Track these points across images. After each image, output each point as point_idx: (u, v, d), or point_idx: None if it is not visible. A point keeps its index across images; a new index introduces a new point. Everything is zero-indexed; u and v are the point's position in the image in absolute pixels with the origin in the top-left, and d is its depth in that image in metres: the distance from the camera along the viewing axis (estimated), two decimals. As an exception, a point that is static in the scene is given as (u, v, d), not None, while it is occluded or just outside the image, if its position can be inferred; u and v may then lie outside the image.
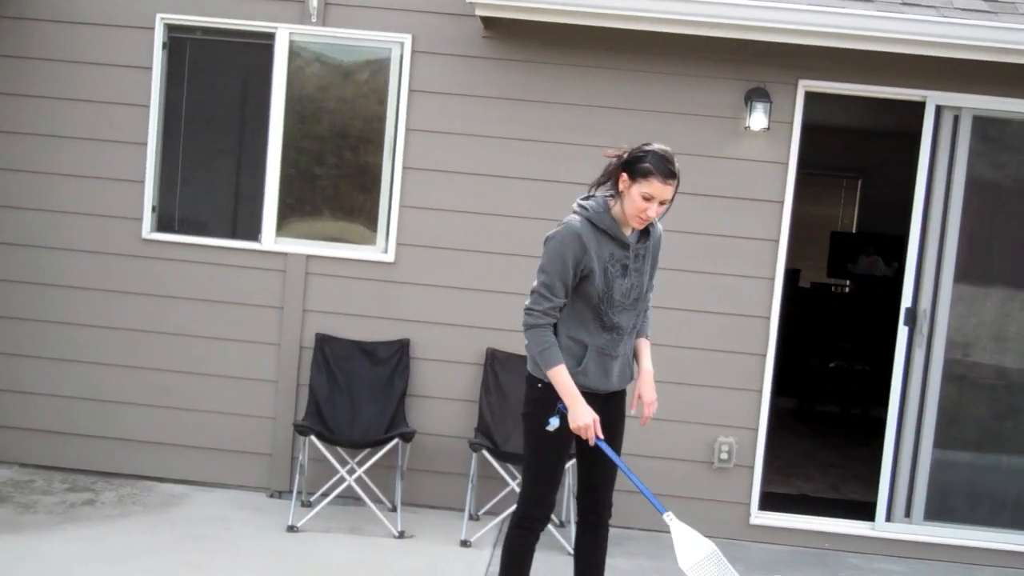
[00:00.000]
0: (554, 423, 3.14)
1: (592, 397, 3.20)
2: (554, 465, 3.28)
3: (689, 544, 3.08)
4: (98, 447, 5.08)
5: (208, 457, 5.06)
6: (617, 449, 3.32)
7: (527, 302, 3.16)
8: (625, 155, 3.11)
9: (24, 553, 4.03)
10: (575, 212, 3.19)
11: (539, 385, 3.22)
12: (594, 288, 3.12)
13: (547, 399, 3.19)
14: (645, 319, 3.37)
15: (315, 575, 4.07)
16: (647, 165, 3.03)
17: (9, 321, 5.08)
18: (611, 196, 3.17)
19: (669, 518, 3.12)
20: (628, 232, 3.18)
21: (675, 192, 3.09)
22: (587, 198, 3.20)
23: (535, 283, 3.15)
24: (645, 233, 3.23)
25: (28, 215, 5.04)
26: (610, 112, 4.85)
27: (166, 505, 4.76)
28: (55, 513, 4.52)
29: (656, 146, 3.08)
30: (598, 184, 3.19)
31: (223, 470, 5.07)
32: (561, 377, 3.09)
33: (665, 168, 3.03)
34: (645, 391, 3.31)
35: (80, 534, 4.28)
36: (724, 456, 4.91)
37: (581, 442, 3.32)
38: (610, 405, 3.29)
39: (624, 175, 3.08)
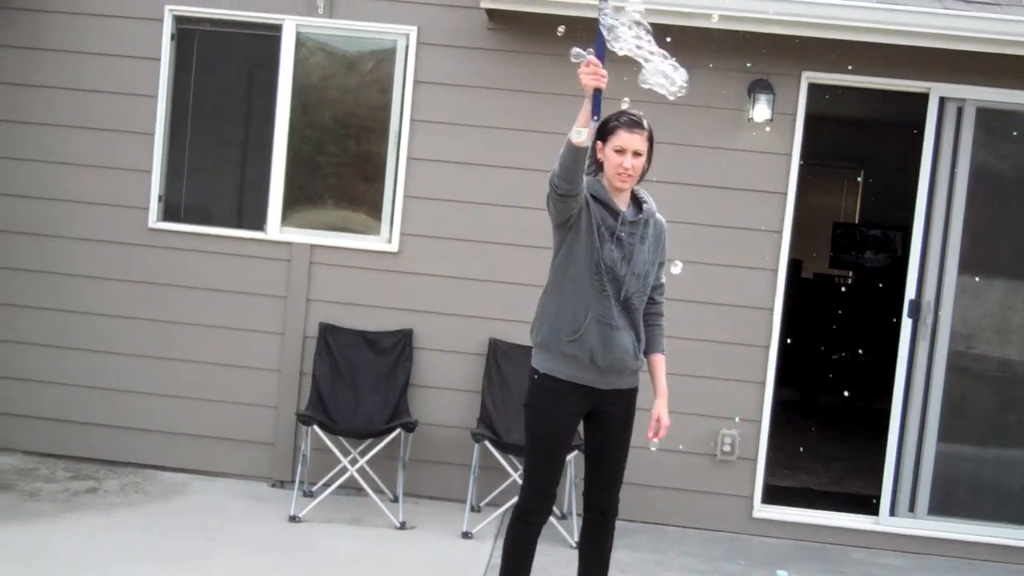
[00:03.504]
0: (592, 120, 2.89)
1: (595, 392, 3.20)
2: (553, 457, 3.27)
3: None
4: (101, 435, 5.09)
5: (210, 446, 5.07)
6: (623, 447, 3.32)
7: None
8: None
9: (28, 541, 4.04)
10: None
11: (535, 376, 3.23)
12: (583, 247, 3.13)
13: (544, 389, 3.20)
14: (659, 329, 3.36)
15: (317, 566, 4.06)
16: (611, 123, 3.17)
17: (14, 309, 5.10)
18: (600, 175, 3.23)
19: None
20: (622, 205, 3.22)
21: (650, 147, 3.19)
22: None
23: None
24: (638, 209, 3.25)
25: (35, 204, 5.07)
26: (614, 104, 4.83)
27: (168, 494, 4.77)
28: (58, 501, 4.53)
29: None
30: (586, 170, 3.21)
31: (225, 459, 5.08)
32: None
33: (627, 118, 3.16)
34: (664, 413, 3.31)
35: (83, 523, 4.29)
36: (727, 448, 4.90)
37: (590, 438, 3.34)
38: (620, 403, 3.28)
39: (598, 143, 3.20)
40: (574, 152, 2.92)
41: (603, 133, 3.20)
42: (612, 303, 3.16)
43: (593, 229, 3.13)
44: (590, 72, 2.86)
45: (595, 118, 2.90)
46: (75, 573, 3.77)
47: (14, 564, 3.79)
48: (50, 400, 5.11)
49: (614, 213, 3.17)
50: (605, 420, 3.29)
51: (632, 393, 3.32)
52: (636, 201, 3.28)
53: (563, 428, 3.24)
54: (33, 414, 5.12)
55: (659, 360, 3.36)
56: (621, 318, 3.19)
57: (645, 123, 3.18)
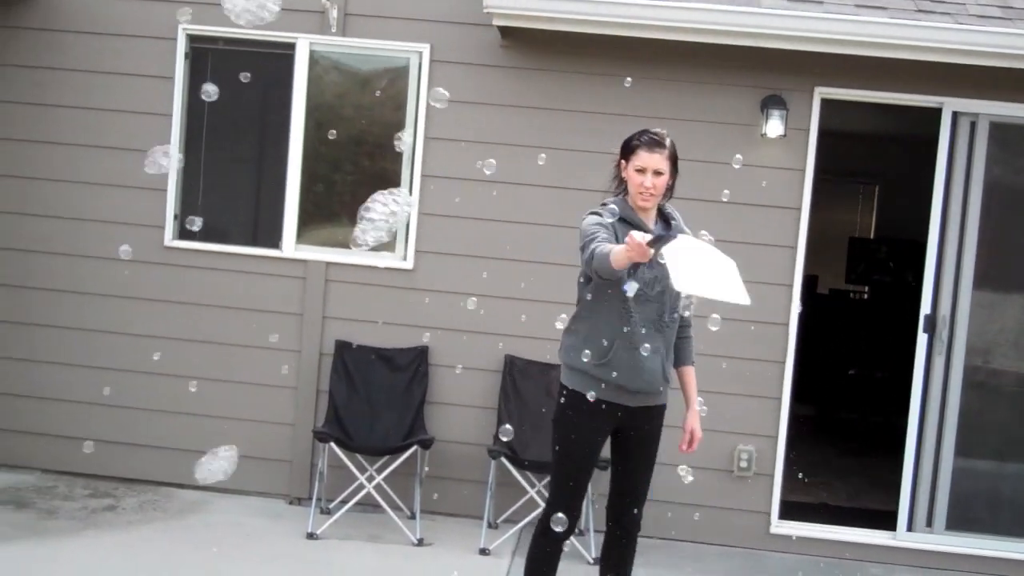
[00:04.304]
0: (631, 286, 2.99)
1: (624, 409, 3.20)
2: (579, 473, 3.28)
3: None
4: (119, 453, 5.11)
5: (228, 464, 5.08)
6: (649, 464, 3.35)
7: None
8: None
9: (47, 559, 4.06)
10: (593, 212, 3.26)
11: (564, 393, 3.25)
12: None
13: (572, 406, 3.21)
14: (687, 341, 3.38)
15: (334, 580, 4.08)
16: (632, 142, 3.21)
17: (32, 327, 5.13)
18: (626, 193, 3.26)
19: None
20: (649, 224, 3.23)
21: (672, 165, 3.20)
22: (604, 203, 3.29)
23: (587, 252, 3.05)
24: (667, 226, 3.27)
25: (51, 223, 5.11)
26: (626, 119, 4.83)
27: (186, 512, 4.79)
28: (77, 519, 4.55)
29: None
30: (614, 190, 3.32)
31: (242, 477, 5.00)
32: (616, 250, 2.88)
33: (647, 137, 3.18)
34: (697, 426, 3.38)
35: (102, 541, 4.31)
36: (744, 464, 4.89)
37: (616, 455, 3.34)
38: (649, 420, 3.30)
39: (622, 162, 3.25)
40: (611, 271, 2.88)
41: (626, 152, 3.23)
42: (643, 328, 3.16)
43: None
44: (637, 252, 2.73)
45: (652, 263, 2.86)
46: (96, 594, 3.79)
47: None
48: (67, 418, 5.13)
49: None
50: (633, 437, 3.29)
51: (660, 410, 3.33)
52: (663, 218, 3.30)
53: (591, 445, 3.26)
54: (51, 432, 5.14)
55: (689, 372, 3.40)
56: (652, 341, 3.19)
57: (667, 141, 3.20)
